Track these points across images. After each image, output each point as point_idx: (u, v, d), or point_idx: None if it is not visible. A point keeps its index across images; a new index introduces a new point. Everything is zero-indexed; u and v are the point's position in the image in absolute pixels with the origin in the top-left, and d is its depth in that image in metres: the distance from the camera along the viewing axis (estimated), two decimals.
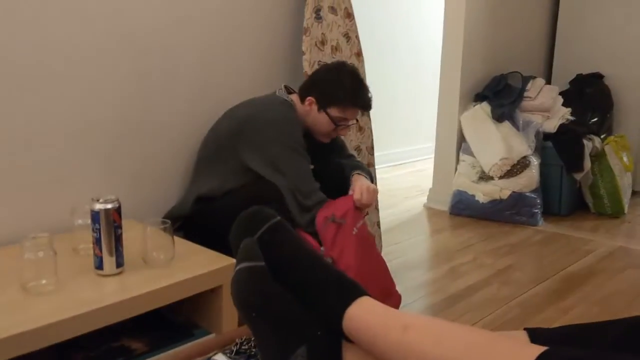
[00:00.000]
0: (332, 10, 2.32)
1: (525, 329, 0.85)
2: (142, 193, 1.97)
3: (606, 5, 3.82)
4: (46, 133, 1.72)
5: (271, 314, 0.73)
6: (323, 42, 2.29)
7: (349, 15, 2.40)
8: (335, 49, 2.35)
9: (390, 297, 1.91)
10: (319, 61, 2.28)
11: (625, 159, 3.50)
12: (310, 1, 2.23)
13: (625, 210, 3.45)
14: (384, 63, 4.54)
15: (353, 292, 0.77)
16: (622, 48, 3.79)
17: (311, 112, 1.90)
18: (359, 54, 2.47)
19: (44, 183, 1.73)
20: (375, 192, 1.84)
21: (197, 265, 1.48)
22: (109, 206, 1.38)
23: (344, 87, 1.85)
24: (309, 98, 1.90)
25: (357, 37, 2.45)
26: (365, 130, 2.54)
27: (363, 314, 0.74)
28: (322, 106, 1.88)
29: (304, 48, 2.24)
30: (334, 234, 1.73)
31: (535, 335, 0.81)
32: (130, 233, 1.53)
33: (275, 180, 1.75)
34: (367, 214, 2.25)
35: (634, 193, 3.71)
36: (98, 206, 1.38)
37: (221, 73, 2.11)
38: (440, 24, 3.48)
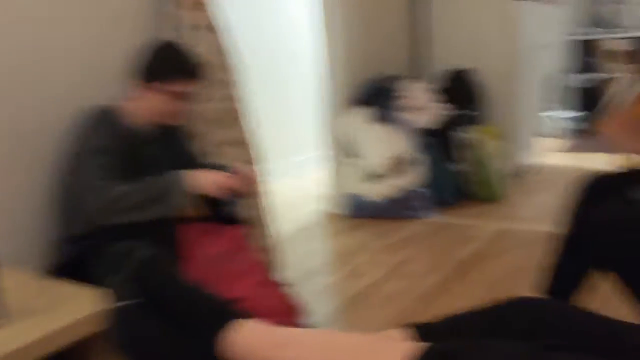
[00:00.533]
0: (195, 27, 2.28)
1: (414, 324, 0.88)
2: (20, 237, 1.84)
3: (467, 3, 4.06)
4: None
5: (148, 351, 0.71)
6: None
7: (214, 29, 2.37)
8: (209, 64, 2.32)
9: (293, 311, 1.92)
10: None
11: (498, 146, 3.75)
12: (171, 18, 2.18)
13: (504, 194, 3.69)
14: (266, 75, 4.56)
15: (226, 317, 0.76)
16: (488, 43, 4.05)
17: (145, 98, 1.82)
18: (234, 68, 2.45)
19: None
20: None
21: (79, 309, 1.39)
22: None
23: (169, 60, 1.81)
24: (140, 81, 1.82)
25: (230, 50, 2.43)
26: (251, 143, 2.53)
27: (239, 337, 0.73)
28: (153, 86, 1.80)
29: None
30: (217, 272, 1.72)
31: (423, 331, 0.84)
32: (7, 281, 1.42)
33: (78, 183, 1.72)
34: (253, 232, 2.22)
35: (509, 177, 3.98)
36: None
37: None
38: (316, 33, 3.55)
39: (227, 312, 0.79)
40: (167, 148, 1.94)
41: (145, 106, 1.83)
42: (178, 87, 1.80)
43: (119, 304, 0.77)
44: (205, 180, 1.72)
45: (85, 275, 1.55)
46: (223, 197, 1.78)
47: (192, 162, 2.00)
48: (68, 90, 1.95)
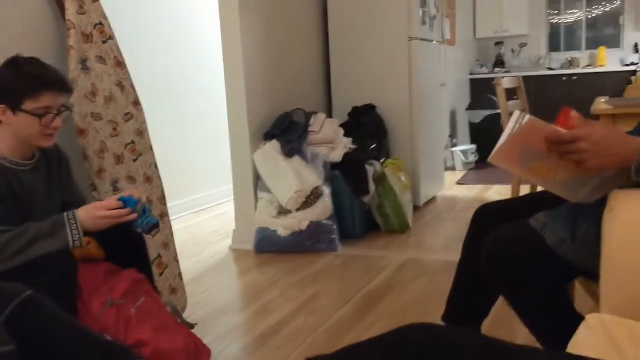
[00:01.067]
0: (101, 59, 2.21)
1: (307, 359, 0.86)
2: None
3: (370, 42, 4.21)
4: None
5: None
6: (94, 93, 2.17)
7: (120, 64, 2.31)
8: (109, 99, 2.24)
9: (198, 354, 1.84)
10: (92, 113, 2.15)
11: (403, 178, 3.85)
12: (74, 52, 2.10)
13: (410, 225, 3.78)
14: (170, 110, 4.47)
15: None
16: (387, 81, 4.20)
17: (11, 122, 1.65)
18: (136, 103, 2.38)
19: None
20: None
21: None
22: None
23: (23, 75, 1.64)
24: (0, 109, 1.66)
25: (131, 85, 2.37)
26: (153, 180, 2.45)
27: None
28: (15, 107, 1.63)
29: (72, 101, 2.10)
30: (115, 318, 1.63)
31: None
32: None
33: None
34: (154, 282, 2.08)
35: (415, 208, 4.09)
36: None
37: None
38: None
39: (122, 355, 0.73)
40: (46, 179, 1.80)
41: (15, 131, 1.66)
42: (49, 102, 1.66)
43: None
44: (92, 219, 1.61)
45: None
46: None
47: (74, 194, 1.90)
48: None
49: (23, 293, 0.77)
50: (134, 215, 1.64)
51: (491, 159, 1.27)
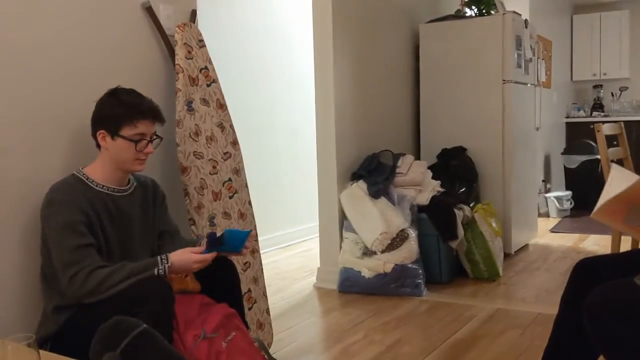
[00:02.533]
0: (204, 101, 2.34)
1: None
2: (5, 308, 1.79)
3: (462, 84, 4.18)
4: None
5: None
6: (197, 133, 2.29)
7: (222, 106, 2.43)
8: (210, 138, 2.36)
9: None
10: (194, 151, 2.27)
11: (494, 224, 3.75)
12: (181, 94, 2.24)
13: (500, 273, 3.65)
14: (262, 148, 4.62)
15: None
16: (479, 123, 4.14)
17: (109, 147, 1.80)
18: (234, 143, 2.49)
19: None
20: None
21: None
22: None
23: (122, 103, 1.80)
24: (99, 133, 1.80)
25: (231, 126, 2.48)
26: (247, 217, 2.53)
27: None
28: (114, 133, 1.78)
29: (177, 140, 2.23)
30: (207, 352, 1.68)
31: None
32: None
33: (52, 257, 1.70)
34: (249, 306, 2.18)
35: (505, 256, 3.96)
36: None
37: None
38: (314, 108, 3.63)
39: None
40: (141, 205, 1.92)
41: (113, 156, 1.81)
42: (143, 129, 1.80)
43: None
44: (184, 264, 1.72)
45: (71, 347, 1.51)
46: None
47: (169, 224, 2.00)
48: (65, 161, 1.96)
49: (138, 327, 0.82)
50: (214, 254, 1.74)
51: (594, 215, 1.22)
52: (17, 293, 1.84)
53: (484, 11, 4.44)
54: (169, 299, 1.60)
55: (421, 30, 4.32)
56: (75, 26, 2.01)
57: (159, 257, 1.71)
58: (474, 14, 4.51)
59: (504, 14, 4.12)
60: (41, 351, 1.40)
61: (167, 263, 1.69)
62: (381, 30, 4.00)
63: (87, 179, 1.80)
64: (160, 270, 1.67)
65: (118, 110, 1.79)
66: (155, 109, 1.86)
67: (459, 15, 4.48)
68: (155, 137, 1.87)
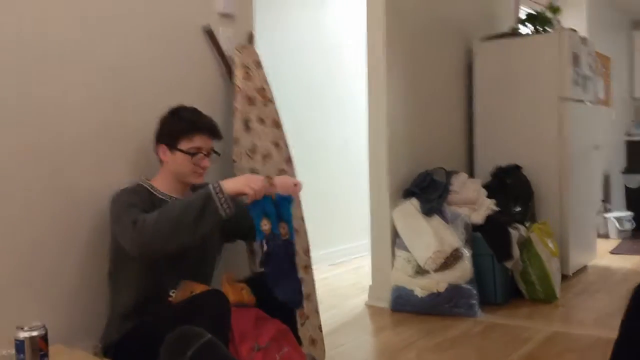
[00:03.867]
0: (261, 120, 2.41)
1: None
2: (71, 314, 1.88)
3: (516, 101, 4.13)
4: None
5: None
6: (253, 151, 2.35)
7: (277, 124, 2.49)
8: (266, 156, 2.41)
9: None
10: (251, 168, 2.33)
11: (550, 244, 3.66)
12: (239, 113, 2.31)
13: (557, 295, 3.55)
14: (315, 164, 4.67)
15: None
16: (534, 140, 4.07)
17: (169, 160, 1.90)
18: (288, 160, 2.54)
19: None
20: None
21: None
22: (35, 334, 1.32)
23: (182, 119, 1.91)
24: (160, 147, 1.91)
25: (286, 144, 2.54)
26: (300, 233, 2.57)
27: None
28: (172, 146, 1.88)
29: (234, 157, 2.29)
30: None
31: None
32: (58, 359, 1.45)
33: (117, 233, 1.74)
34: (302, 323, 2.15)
35: (563, 277, 3.85)
36: (23, 334, 1.31)
37: None
38: (366, 125, 3.65)
39: None
40: None
41: (173, 169, 1.90)
42: (200, 143, 1.89)
43: None
44: (239, 181, 1.75)
45: (134, 355, 1.57)
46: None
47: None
48: (129, 174, 2.05)
49: (203, 337, 0.86)
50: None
51: None
52: (84, 300, 1.92)
53: (539, 28, 4.38)
54: (226, 310, 1.65)
55: (475, 48, 4.30)
56: (141, 49, 2.11)
57: (210, 185, 1.74)
58: (529, 32, 4.45)
59: (560, 31, 4.05)
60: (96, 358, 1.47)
61: (218, 185, 1.72)
62: (434, 48, 4.00)
63: (151, 187, 1.90)
64: (216, 188, 1.70)
65: (177, 126, 1.90)
66: (212, 124, 1.95)
67: (514, 33, 4.44)
68: (212, 152, 1.95)
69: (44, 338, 1.34)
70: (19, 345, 1.31)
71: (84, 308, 1.92)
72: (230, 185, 1.73)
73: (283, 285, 1.81)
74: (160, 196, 1.89)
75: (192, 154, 1.88)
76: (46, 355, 1.34)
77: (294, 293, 1.82)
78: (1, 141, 1.73)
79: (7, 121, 1.75)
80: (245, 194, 1.74)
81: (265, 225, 1.77)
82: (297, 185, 1.93)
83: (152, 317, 1.73)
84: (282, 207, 1.87)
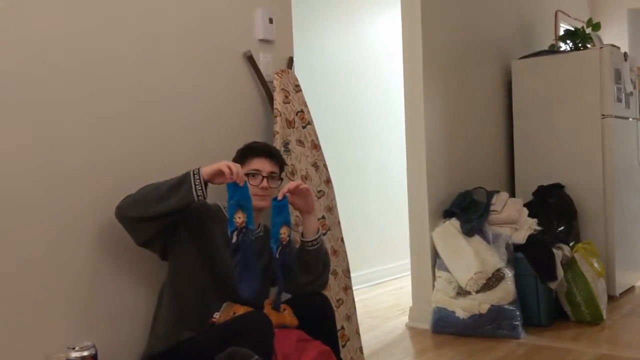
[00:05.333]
0: (300, 142, 2.45)
1: None
2: (119, 333, 1.93)
3: (557, 119, 4.08)
4: (13, 275, 1.71)
5: None
6: (293, 172, 2.38)
7: (316, 146, 2.52)
8: (305, 177, 2.45)
9: None
10: None
11: (596, 264, 3.57)
12: (279, 136, 2.35)
13: (604, 316, 3.46)
14: (354, 185, 4.69)
15: None
16: (577, 158, 4.00)
17: None
18: (327, 181, 2.57)
19: (14, 331, 1.69)
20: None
21: None
22: (86, 354, 1.36)
23: (243, 147, 2.06)
24: None
25: (324, 165, 2.57)
26: (339, 253, 2.58)
27: None
28: None
29: None
30: None
31: None
32: None
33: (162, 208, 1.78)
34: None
35: (609, 298, 3.74)
36: (74, 355, 1.36)
37: None
38: (404, 145, 3.66)
39: None
40: (262, 251, 2.00)
41: None
42: (257, 165, 1.97)
43: None
44: (218, 164, 1.79)
45: None
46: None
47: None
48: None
49: (251, 358, 0.88)
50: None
51: None
52: (127, 319, 1.97)
53: (579, 45, 4.33)
54: (270, 332, 1.67)
55: (514, 66, 4.27)
56: (183, 75, 2.18)
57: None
58: (568, 49, 4.41)
59: (601, 47, 4.00)
60: None
61: (197, 169, 1.78)
62: (472, 67, 3.99)
63: (224, 208, 1.97)
64: (194, 171, 1.78)
65: (238, 154, 2.03)
66: (269, 147, 2.07)
67: (553, 50, 4.39)
68: (273, 174, 2.02)
69: (95, 357, 1.38)
70: None
71: (126, 327, 1.97)
72: (209, 166, 1.79)
73: (247, 281, 1.79)
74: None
75: (251, 174, 1.96)
76: None
77: (253, 292, 1.81)
78: (60, 163, 1.81)
79: (67, 148, 1.83)
80: (222, 173, 1.78)
81: (239, 218, 1.78)
82: (299, 186, 1.95)
83: (197, 336, 1.77)
84: (284, 210, 1.90)
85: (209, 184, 1.80)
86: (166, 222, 1.81)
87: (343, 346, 2.44)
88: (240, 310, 1.81)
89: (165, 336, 1.82)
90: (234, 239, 1.77)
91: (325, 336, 1.95)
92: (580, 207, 3.95)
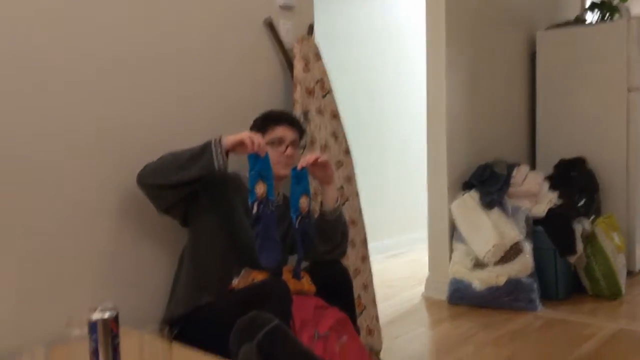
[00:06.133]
0: (319, 112, 2.43)
1: None
2: (140, 297, 1.97)
3: (581, 92, 4.00)
4: (39, 240, 1.74)
5: None
6: (312, 142, 2.37)
7: (335, 116, 2.50)
8: (324, 147, 2.43)
9: None
10: None
11: (616, 239, 3.53)
12: (298, 105, 2.34)
13: (623, 291, 3.43)
14: (373, 155, 4.66)
15: None
16: (600, 132, 3.93)
17: None
18: (347, 152, 2.55)
19: (38, 292, 1.73)
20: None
21: None
22: (107, 316, 1.38)
23: (263, 115, 2.05)
24: None
25: (344, 135, 2.55)
26: (358, 224, 2.58)
27: None
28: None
29: None
30: (322, 352, 1.73)
31: None
32: (127, 341, 1.51)
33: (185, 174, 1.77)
34: (357, 331, 2.14)
35: (628, 273, 3.71)
36: (96, 316, 1.37)
37: None
38: (424, 116, 3.62)
39: None
40: (281, 219, 2.01)
41: None
42: (280, 133, 1.98)
43: None
44: (240, 133, 1.78)
45: (205, 338, 1.63)
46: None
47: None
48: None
49: (272, 322, 0.89)
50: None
51: None
52: (148, 285, 2.00)
53: (607, 17, 4.21)
54: (288, 299, 1.68)
55: (538, 38, 4.18)
56: (203, 42, 2.16)
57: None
58: (595, 20, 4.29)
59: (629, 20, 3.89)
60: (161, 341, 1.53)
61: (218, 138, 1.77)
62: (496, 38, 3.91)
63: (244, 178, 1.95)
64: (216, 140, 1.76)
65: (261, 121, 2.03)
66: (290, 115, 2.08)
67: (580, 21, 4.28)
68: (296, 143, 2.03)
69: (116, 320, 1.40)
70: (92, 326, 1.37)
71: (147, 291, 2.00)
72: (231, 137, 1.77)
73: (268, 251, 1.80)
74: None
75: (275, 142, 1.96)
76: (117, 336, 1.39)
77: (274, 261, 1.82)
78: (83, 129, 1.82)
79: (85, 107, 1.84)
80: (244, 144, 1.76)
81: (260, 189, 1.77)
82: (318, 159, 1.92)
83: (216, 300, 1.79)
84: (304, 180, 1.89)
85: (230, 154, 1.80)
86: (187, 191, 1.82)
87: (360, 314, 2.46)
88: (259, 276, 1.82)
89: (185, 300, 1.85)
90: (255, 210, 1.78)
91: (342, 304, 1.96)
92: (602, 181, 3.89)
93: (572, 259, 3.37)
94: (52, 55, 1.77)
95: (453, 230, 3.51)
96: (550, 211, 3.45)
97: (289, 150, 1.98)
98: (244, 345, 0.84)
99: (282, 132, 1.99)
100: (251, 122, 2.05)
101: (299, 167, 1.89)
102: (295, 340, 0.84)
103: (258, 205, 1.78)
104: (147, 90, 2.00)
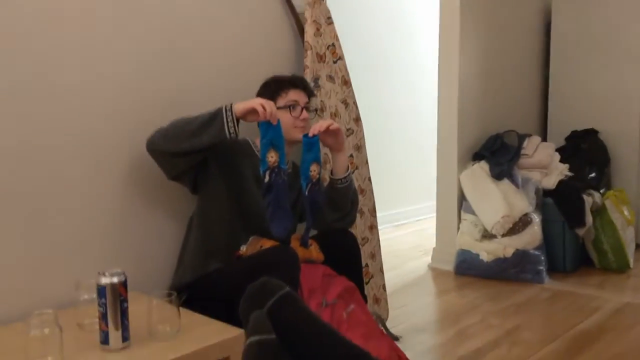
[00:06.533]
0: (330, 78, 2.39)
1: None
2: (148, 263, 1.97)
3: (596, 63, 3.92)
4: (49, 205, 1.73)
5: None
6: (322, 109, 2.34)
7: (346, 82, 2.46)
8: (334, 114, 2.40)
9: None
10: None
11: (626, 212, 3.51)
12: (309, 71, 2.29)
13: (631, 265, 3.42)
14: (383, 124, 4.62)
15: None
16: (614, 104, 3.87)
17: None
18: (357, 119, 2.52)
19: (47, 257, 1.73)
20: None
21: (204, 337, 1.46)
22: (116, 280, 1.38)
23: (274, 80, 2.00)
24: None
25: (354, 103, 2.51)
26: (366, 192, 2.56)
27: None
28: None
29: None
30: (329, 320, 1.73)
31: None
32: (135, 305, 1.52)
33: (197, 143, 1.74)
34: (365, 300, 2.13)
35: (637, 247, 3.70)
36: (104, 280, 1.38)
37: None
38: (436, 86, 3.57)
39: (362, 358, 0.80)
40: (290, 187, 1.98)
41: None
42: (294, 96, 1.95)
43: (256, 337, 0.80)
44: (251, 99, 1.75)
45: (213, 304, 1.63)
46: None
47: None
48: None
49: (283, 289, 0.88)
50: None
51: None
52: (156, 251, 2.00)
53: None
54: (296, 266, 1.67)
55: (554, 5, 4.08)
56: (212, 4, 2.12)
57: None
58: None
59: None
60: (181, 308, 1.53)
61: (230, 105, 1.73)
62: (511, 7, 3.83)
63: (253, 143, 1.97)
64: (227, 107, 1.72)
65: (273, 85, 1.98)
66: (302, 78, 2.05)
67: None
68: (309, 106, 2.01)
69: (124, 284, 1.40)
70: (101, 290, 1.38)
71: (155, 257, 2.00)
72: (242, 104, 1.73)
73: (279, 220, 1.79)
74: (259, 154, 1.90)
75: (290, 107, 1.93)
76: (125, 300, 1.40)
77: (285, 230, 1.81)
78: (93, 96, 1.80)
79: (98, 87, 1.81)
80: (255, 111, 1.73)
81: (271, 157, 1.75)
82: (330, 127, 1.88)
83: (224, 267, 1.79)
84: (315, 147, 1.86)
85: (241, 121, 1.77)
86: (197, 158, 1.80)
87: (367, 283, 2.46)
88: (267, 243, 1.81)
89: (193, 267, 1.85)
90: (267, 179, 1.76)
91: (350, 272, 1.96)
92: (613, 154, 3.85)
93: (581, 232, 3.35)
94: (67, 27, 1.73)
95: (462, 201, 3.49)
96: (561, 183, 3.42)
97: (305, 113, 1.96)
98: (254, 312, 0.83)
99: (296, 95, 1.96)
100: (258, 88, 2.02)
101: (310, 134, 1.86)
102: (306, 307, 0.84)
103: (270, 174, 1.76)
104: (158, 56, 1.97)
